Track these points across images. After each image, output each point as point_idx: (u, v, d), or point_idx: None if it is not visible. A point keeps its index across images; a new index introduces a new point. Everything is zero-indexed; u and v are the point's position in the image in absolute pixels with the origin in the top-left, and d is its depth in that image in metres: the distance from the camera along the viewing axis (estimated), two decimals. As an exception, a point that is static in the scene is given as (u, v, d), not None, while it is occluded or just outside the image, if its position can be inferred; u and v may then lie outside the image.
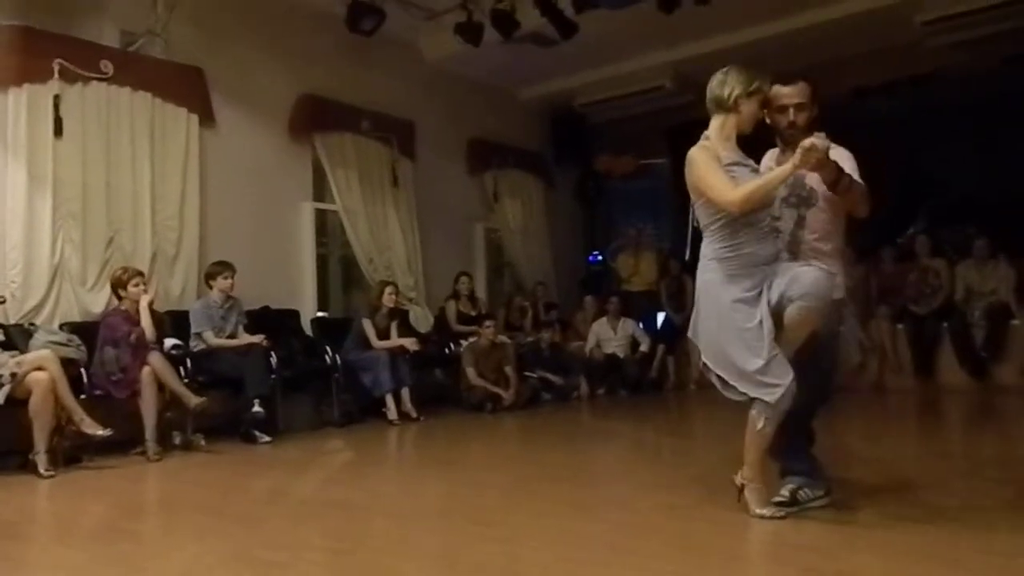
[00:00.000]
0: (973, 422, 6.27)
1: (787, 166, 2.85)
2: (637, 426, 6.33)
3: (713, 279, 2.96)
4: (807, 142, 2.78)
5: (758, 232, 2.93)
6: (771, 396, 2.82)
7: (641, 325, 8.28)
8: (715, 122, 3.04)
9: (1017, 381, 7.09)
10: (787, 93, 3.05)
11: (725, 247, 2.93)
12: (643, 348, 8.08)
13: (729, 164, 2.94)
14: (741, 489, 3.00)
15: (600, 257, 9.98)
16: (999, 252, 7.40)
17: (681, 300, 8.61)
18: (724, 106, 3.00)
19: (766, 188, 2.88)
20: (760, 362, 2.83)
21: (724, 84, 3.00)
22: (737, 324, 2.89)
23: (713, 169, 2.92)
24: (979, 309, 7.31)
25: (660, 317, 8.70)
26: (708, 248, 2.99)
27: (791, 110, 3.05)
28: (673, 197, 9.89)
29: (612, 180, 9.93)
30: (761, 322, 2.86)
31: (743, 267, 2.91)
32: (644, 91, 8.61)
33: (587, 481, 4.06)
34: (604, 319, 8.20)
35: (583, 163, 9.85)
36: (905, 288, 7.63)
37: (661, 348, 8.21)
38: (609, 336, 8.11)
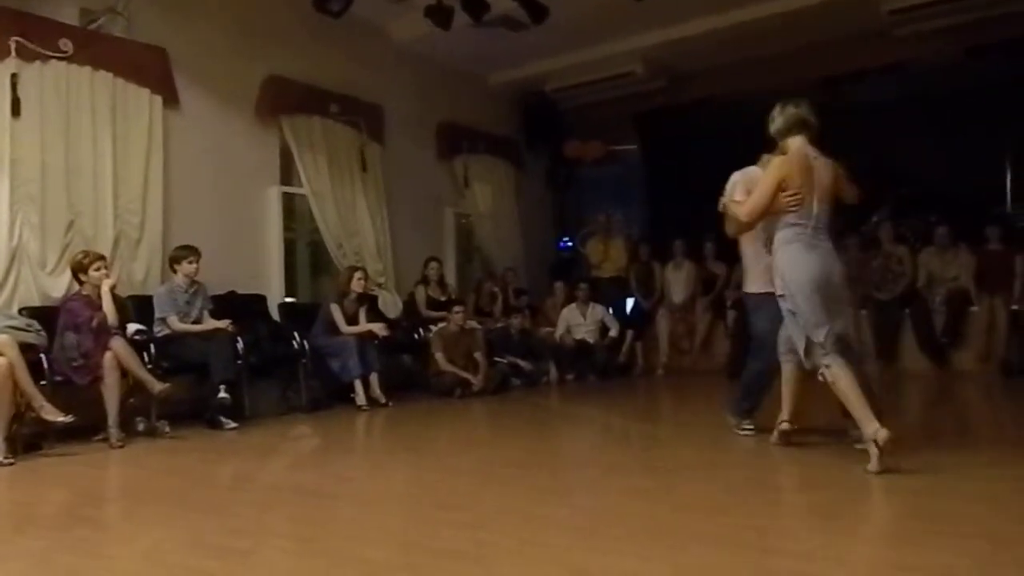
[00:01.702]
0: (933, 404, 6.41)
1: None
2: (605, 411, 6.37)
3: None
4: None
5: None
6: None
7: (611, 311, 8.33)
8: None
9: (975, 366, 7.26)
10: None
11: None
12: (612, 333, 8.13)
13: None
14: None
15: (570, 243, 10.01)
16: (960, 240, 7.55)
17: (650, 286, 8.68)
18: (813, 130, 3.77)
19: None
20: None
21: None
22: None
23: None
24: (940, 295, 7.47)
25: (629, 303, 8.75)
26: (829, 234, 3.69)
27: None
28: (643, 183, 10.00)
29: (582, 166, 9.94)
30: None
31: None
32: (615, 77, 8.64)
33: (555, 466, 4.08)
34: (574, 305, 8.23)
35: (554, 149, 9.85)
36: (869, 275, 7.76)
37: (630, 334, 8.27)
38: (579, 322, 8.15)
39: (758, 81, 8.42)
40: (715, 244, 8.49)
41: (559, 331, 8.11)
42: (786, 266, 3.63)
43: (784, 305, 3.68)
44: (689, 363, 8.38)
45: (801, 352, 3.66)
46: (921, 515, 2.79)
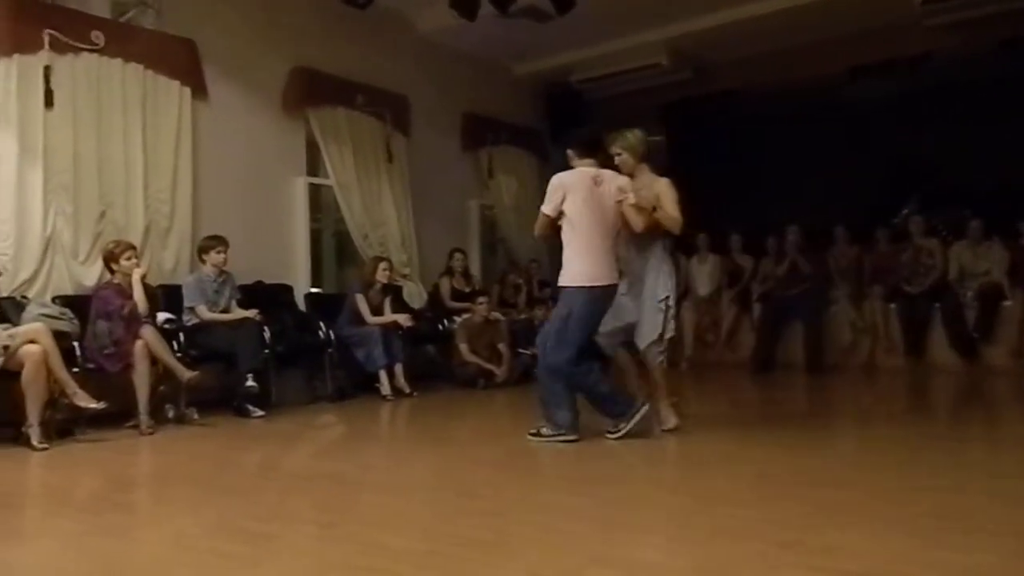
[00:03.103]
0: (962, 401, 6.32)
1: None
2: (628, 403, 6.35)
3: None
4: None
5: None
6: None
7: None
8: None
9: (1007, 362, 7.14)
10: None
11: None
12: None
13: None
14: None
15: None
16: (993, 234, 7.42)
17: (675, 278, 8.61)
18: None
19: None
20: None
21: None
22: None
23: None
24: (971, 290, 7.34)
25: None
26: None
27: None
28: (668, 175, 9.92)
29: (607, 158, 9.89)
30: None
31: None
32: (640, 68, 8.57)
33: (576, 456, 4.08)
34: (597, 297, 8.19)
35: (579, 140, 9.80)
36: (898, 268, 7.66)
37: (654, 326, 8.22)
38: (602, 314, 8.12)
39: (785, 72, 8.34)
40: (742, 236, 8.44)
41: (583, 323, 8.08)
42: (669, 272, 4.35)
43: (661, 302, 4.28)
44: (714, 356, 8.33)
45: (656, 341, 4.28)
46: (947, 512, 2.76)
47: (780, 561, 2.28)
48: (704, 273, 8.47)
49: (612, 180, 4.28)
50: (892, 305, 7.59)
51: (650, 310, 4.29)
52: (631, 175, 4.35)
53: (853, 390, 6.71)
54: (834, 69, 8.15)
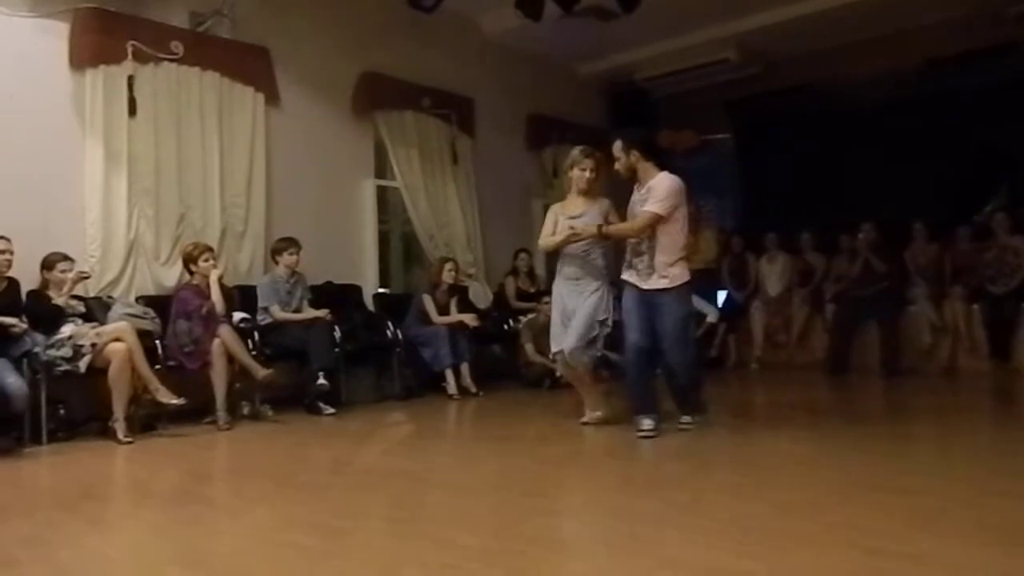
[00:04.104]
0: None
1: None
2: (696, 405, 6.26)
3: None
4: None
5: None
6: None
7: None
8: None
9: (1100, 365, 6.78)
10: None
11: None
12: (710, 319, 7.88)
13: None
14: None
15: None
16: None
17: (743, 278, 8.46)
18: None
19: None
20: None
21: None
22: None
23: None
24: (1062, 290, 6.98)
25: (720, 295, 8.55)
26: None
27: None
28: (736, 173, 9.75)
29: (673, 156, 9.77)
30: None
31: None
32: (708, 64, 8.44)
33: (644, 458, 4.06)
34: (664, 296, 8.08)
35: (644, 139, 9.71)
36: (982, 267, 7.33)
37: (723, 326, 8.09)
38: (669, 313, 8.00)
39: (858, 66, 8.10)
40: (813, 235, 8.23)
41: (649, 323, 7.98)
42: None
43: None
44: (785, 357, 8.14)
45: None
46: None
47: (867, 569, 2.22)
48: (774, 272, 8.28)
49: None
50: (975, 306, 7.28)
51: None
52: (585, 192, 4.81)
53: (932, 393, 6.47)
54: (910, 61, 7.87)
